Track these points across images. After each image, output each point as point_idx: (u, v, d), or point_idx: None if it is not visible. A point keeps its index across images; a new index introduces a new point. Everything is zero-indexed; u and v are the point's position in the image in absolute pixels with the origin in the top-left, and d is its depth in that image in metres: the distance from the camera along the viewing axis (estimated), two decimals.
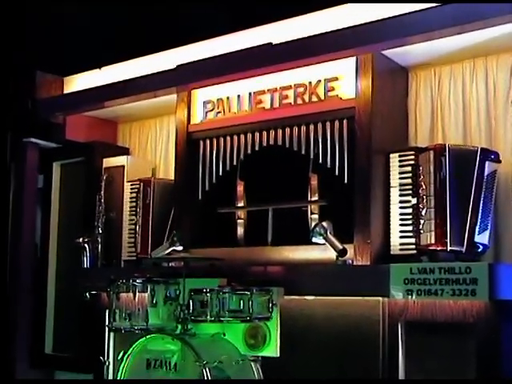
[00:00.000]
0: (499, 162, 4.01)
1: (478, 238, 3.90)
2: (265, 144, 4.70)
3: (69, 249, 5.67)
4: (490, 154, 4.00)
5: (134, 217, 5.31)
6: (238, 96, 4.84)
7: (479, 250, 3.91)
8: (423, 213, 3.99)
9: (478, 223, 3.90)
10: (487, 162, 3.96)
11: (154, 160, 5.85)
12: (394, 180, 4.19)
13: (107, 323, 4.22)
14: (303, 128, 4.53)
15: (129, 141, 6.11)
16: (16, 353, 5.78)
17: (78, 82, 5.92)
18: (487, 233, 3.93)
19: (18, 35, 5.85)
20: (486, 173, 3.94)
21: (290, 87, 4.61)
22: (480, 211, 3.90)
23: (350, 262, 4.11)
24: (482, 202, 3.91)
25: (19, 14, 5.84)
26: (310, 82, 4.53)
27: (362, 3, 4.33)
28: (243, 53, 4.69)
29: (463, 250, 3.88)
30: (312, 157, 4.48)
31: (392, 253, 4.13)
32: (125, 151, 5.94)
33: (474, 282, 3.48)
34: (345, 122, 4.36)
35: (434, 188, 3.97)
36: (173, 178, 5.20)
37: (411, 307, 3.77)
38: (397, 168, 4.19)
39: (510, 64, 4.21)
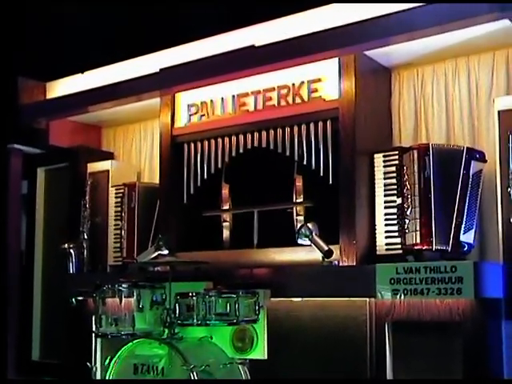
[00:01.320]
0: (485, 161, 4.02)
1: (463, 238, 3.91)
2: (249, 146, 4.70)
3: (54, 255, 5.64)
4: (475, 154, 4.01)
5: (119, 221, 5.30)
6: (222, 99, 4.84)
7: (464, 249, 3.93)
8: (408, 212, 4.00)
9: (464, 222, 3.91)
10: (473, 162, 3.97)
11: (139, 164, 5.84)
12: (379, 180, 4.20)
13: (94, 329, 4.20)
14: (287, 130, 4.53)
15: (113, 145, 6.09)
16: (3, 360, 5.74)
17: (60, 87, 5.89)
18: (472, 232, 3.94)
19: None
20: (471, 172, 3.96)
21: (273, 89, 4.61)
22: (465, 211, 3.91)
23: (336, 262, 4.12)
24: (467, 201, 3.92)
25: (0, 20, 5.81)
26: (294, 84, 4.53)
27: (344, 3, 4.34)
28: (226, 55, 4.69)
29: (449, 249, 3.89)
30: (296, 158, 4.48)
31: (378, 253, 4.14)
32: (109, 156, 5.92)
33: (459, 280, 3.49)
34: (328, 123, 4.37)
35: (419, 187, 3.98)
36: (158, 181, 5.18)
37: (398, 307, 3.77)
38: (381, 168, 4.20)
39: (491, 63, 4.24)
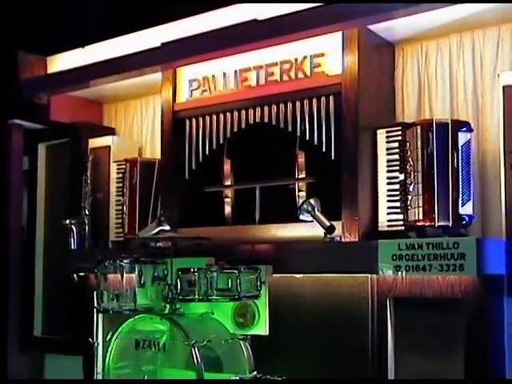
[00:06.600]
0: (471, 130, 3.98)
1: (462, 210, 3.88)
2: (251, 122, 4.67)
3: (56, 230, 5.65)
4: (461, 126, 3.97)
5: (120, 197, 5.28)
6: (224, 74, 4.81)
7: (465, 221, 3.90)
8: (411, 189, 3.98)
9: (460, 195, 3.89)
10: (460, 133, 3.94)
11: (140, 140, 5.81)
12: (381, 156, 4.17)
13: (95, 304, 4.20)
14: (289, 105, 4.49)
15: (114, 121, 6.06)
16: (6, 336, 5.76)
17: (61, 62, 5.84)
18: (471, 203, 3.92)
19: None
20: (460, 144, 3.92)
21: (275, 64, 4.58)
22: (460, 183, 3.89)
23: (338, 238, 4.10)
24: (460, 173, 3.89)
25: None
26: (296, 59, 4.49)
27: None
28: (228, 30, 4.63)
29: (450, 223, 3.87)
30: (299, 134, 4.45)
31: (380, 229, 4.12)
32: (110, 131, 5.89)
33: (461, 257, 3.48)
34: (331, 98, 4.33)
35: (422, 163, 3.95)
36: (159, 157, 5.16)
37: (400, 283, 3.77)
38: (384, 144, 4.17)
39: (496, 37, 4.19)
